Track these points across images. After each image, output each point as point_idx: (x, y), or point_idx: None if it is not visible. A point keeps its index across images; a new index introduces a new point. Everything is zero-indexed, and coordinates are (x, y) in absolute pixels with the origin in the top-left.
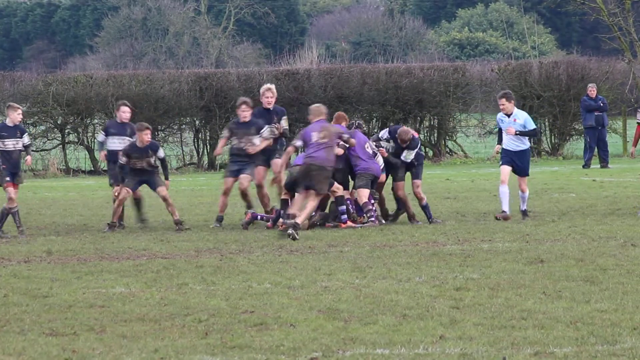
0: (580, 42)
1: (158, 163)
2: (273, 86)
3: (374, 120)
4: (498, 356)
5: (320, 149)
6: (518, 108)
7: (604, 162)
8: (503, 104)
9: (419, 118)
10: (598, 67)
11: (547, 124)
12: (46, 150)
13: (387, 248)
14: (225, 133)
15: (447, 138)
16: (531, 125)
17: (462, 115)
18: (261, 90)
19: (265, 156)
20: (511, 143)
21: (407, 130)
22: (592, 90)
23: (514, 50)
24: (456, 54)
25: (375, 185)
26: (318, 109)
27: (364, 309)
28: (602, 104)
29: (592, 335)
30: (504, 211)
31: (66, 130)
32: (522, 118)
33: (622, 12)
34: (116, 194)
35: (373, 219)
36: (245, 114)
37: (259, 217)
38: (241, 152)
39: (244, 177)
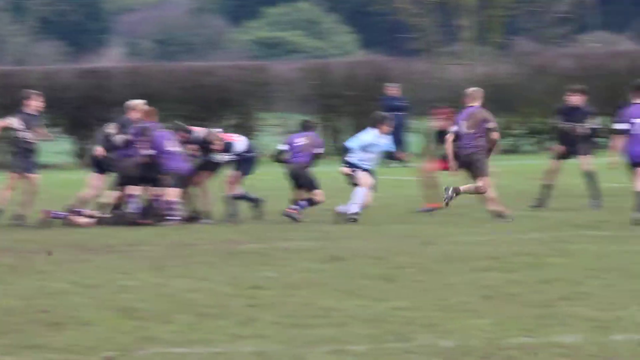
0: (383, 42)
1: None
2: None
3: (177, 120)
4: (293, 354)
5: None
6: (321, 108)
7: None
8: None
9: (222, 117)
10: (399, 67)
11: (348, 123)
12: None
13: (187, 247)
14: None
15: (250, 137)
16: None
17: (264, 114)
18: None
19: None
20: None
21: (213, 135)
22: (392, 90)
23: (317, 49)
24: (259, 53)
25: (184, 183)
26: None
27: (161, 307)
28: (402, 104)
29: (387, 332)
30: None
31: None
32: None
33: (424, 13)
34: None
35: (175, 217)
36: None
37: (54, 214)
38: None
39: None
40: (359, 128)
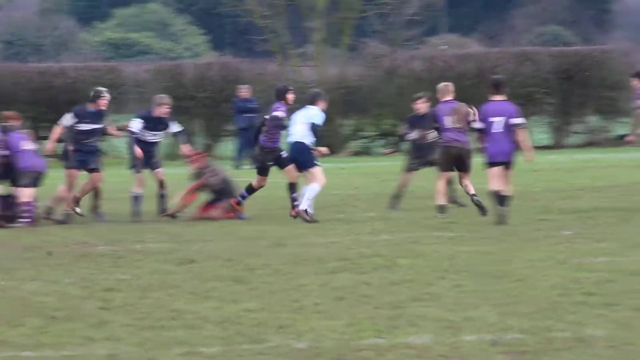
0: (234, 43)
1: None
2: None
3: (28, 122)
4: (146, 356)
5: None
6: (172, 110)
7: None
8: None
9: None
10: (250, 68)
11: (200, 125)
12: None
13: (37, 249)
14: None
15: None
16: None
17: (115, 116)
18: None
19: None
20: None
21: None
22: (243, 91)
23: (169, 51)
24: (111, 55)
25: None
26: None
27: (11, 311)
28: (254, 106)
29: (239, 334)
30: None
31: None
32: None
33: (274, 15)
34: None
35: (27, 219)
36: None
37: None
38: None
39: None
40: (211, 130)
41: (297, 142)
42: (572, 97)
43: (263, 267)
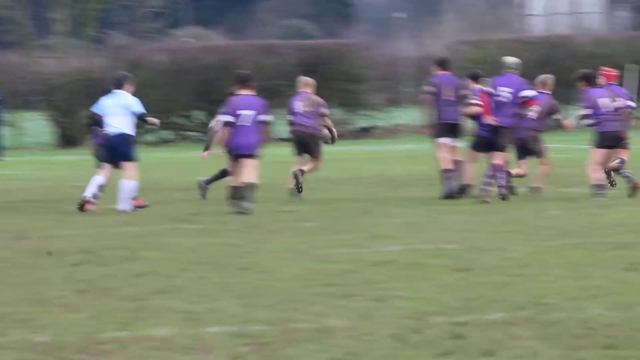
0: None
1: None
2: None
3: None
4: None
5: None
6: None
7: None
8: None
9: None
10: None
11: None
12: None
13: None
14: None
15: None
16: None
17: None
18: None
19: None
20: None
21: None
22: None
23: None
24: None
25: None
26: None
27: None
28: None
29: None
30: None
31: None
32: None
33: (16, 5)
34: None
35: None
36: None
37: None
38: None
39: None
40: None
41: (120, 134)
42: (316, 90)
43: (4, 260)
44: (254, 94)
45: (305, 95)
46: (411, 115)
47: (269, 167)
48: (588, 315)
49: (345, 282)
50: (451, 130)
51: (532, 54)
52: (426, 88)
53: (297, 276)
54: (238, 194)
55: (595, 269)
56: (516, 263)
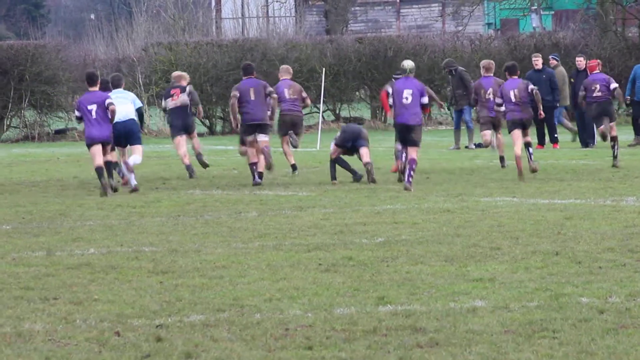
0: None
1: None
2: None
3: None
4: None
5: None
6: None
7: None
8: None
9: None
10: None
11: None
12: None
13: None
14: None
15: None
16: None
17: None
18: None
19: None
20: None
21: None
22: None
23: None
24: None
25: None
26: None
27: None
28: None
29: None
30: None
31: None
32: None
33: None
34: None
35: None
36: None
37: None
38: None
39: None
40: None
41: None
42: (8, 91)
43: None
44: None
45: (289, 84)
46: None
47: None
48: (287, 316)
49: (43, 286)
50: (256, 128)
51: (225, 57)
52: (232, 92)
53: None
54: None
55: (292, 270)
56: (214, 265)
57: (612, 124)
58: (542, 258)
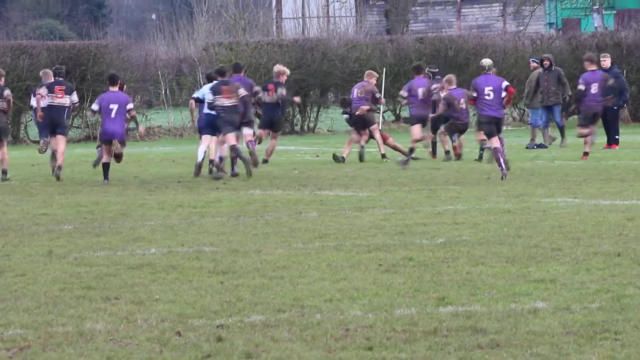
0: None
1: None
2: None
3: None
4: None
5: None
6: None
7: None
8: None
9: None
10: None
11: None
12: None
13: None
14: None
15: None
16: None
17: None
18: None
19: None
20: None
21: None
22: None
23: None
24: None
25: None
26: None
27: None
28: None
29: None
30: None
31: None
32: None
33: None
34: None
35: None
36: None
37: None
38: None
39: None
40: None
41: None
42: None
43: None
44: None
45: (361, 84)
46: (167, 118)
47: (23, 168)
48: (347, 317)
49: (105, 286)
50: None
51: (286, 57)
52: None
53: (55, 279)
54: None
55: (353, 271)
56: (274, 265)
57: None
58: (603, 259)
